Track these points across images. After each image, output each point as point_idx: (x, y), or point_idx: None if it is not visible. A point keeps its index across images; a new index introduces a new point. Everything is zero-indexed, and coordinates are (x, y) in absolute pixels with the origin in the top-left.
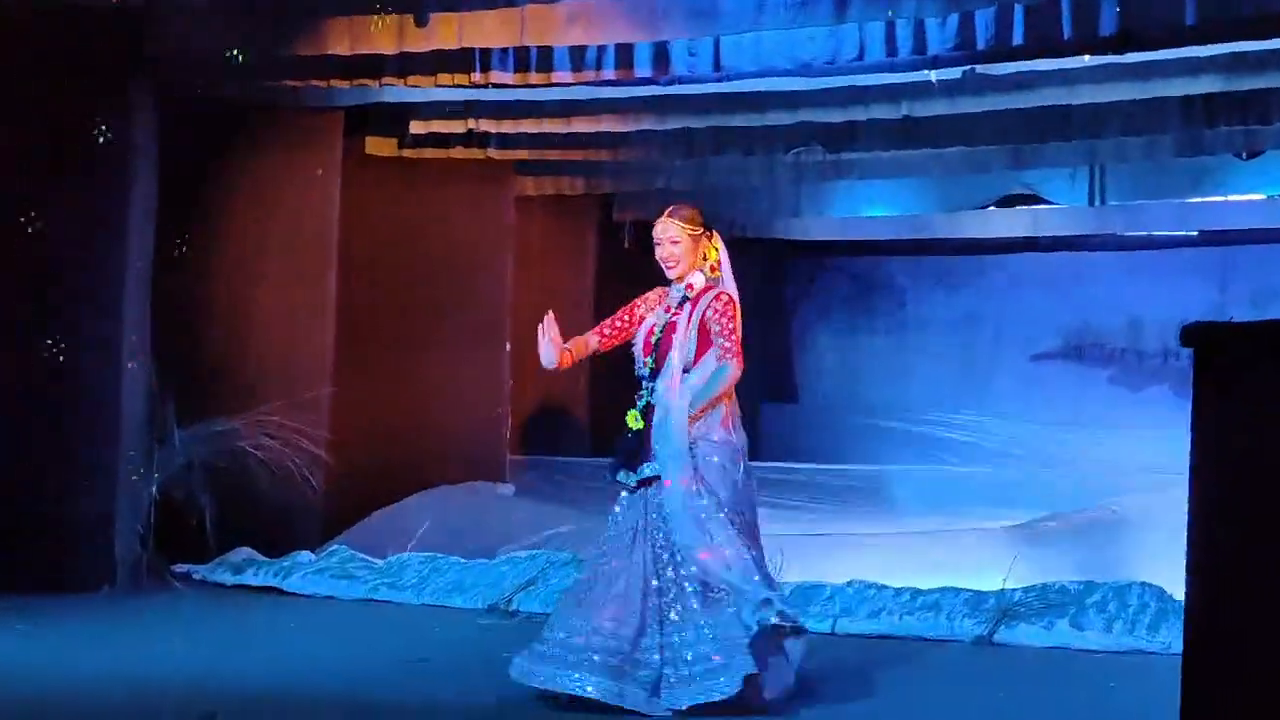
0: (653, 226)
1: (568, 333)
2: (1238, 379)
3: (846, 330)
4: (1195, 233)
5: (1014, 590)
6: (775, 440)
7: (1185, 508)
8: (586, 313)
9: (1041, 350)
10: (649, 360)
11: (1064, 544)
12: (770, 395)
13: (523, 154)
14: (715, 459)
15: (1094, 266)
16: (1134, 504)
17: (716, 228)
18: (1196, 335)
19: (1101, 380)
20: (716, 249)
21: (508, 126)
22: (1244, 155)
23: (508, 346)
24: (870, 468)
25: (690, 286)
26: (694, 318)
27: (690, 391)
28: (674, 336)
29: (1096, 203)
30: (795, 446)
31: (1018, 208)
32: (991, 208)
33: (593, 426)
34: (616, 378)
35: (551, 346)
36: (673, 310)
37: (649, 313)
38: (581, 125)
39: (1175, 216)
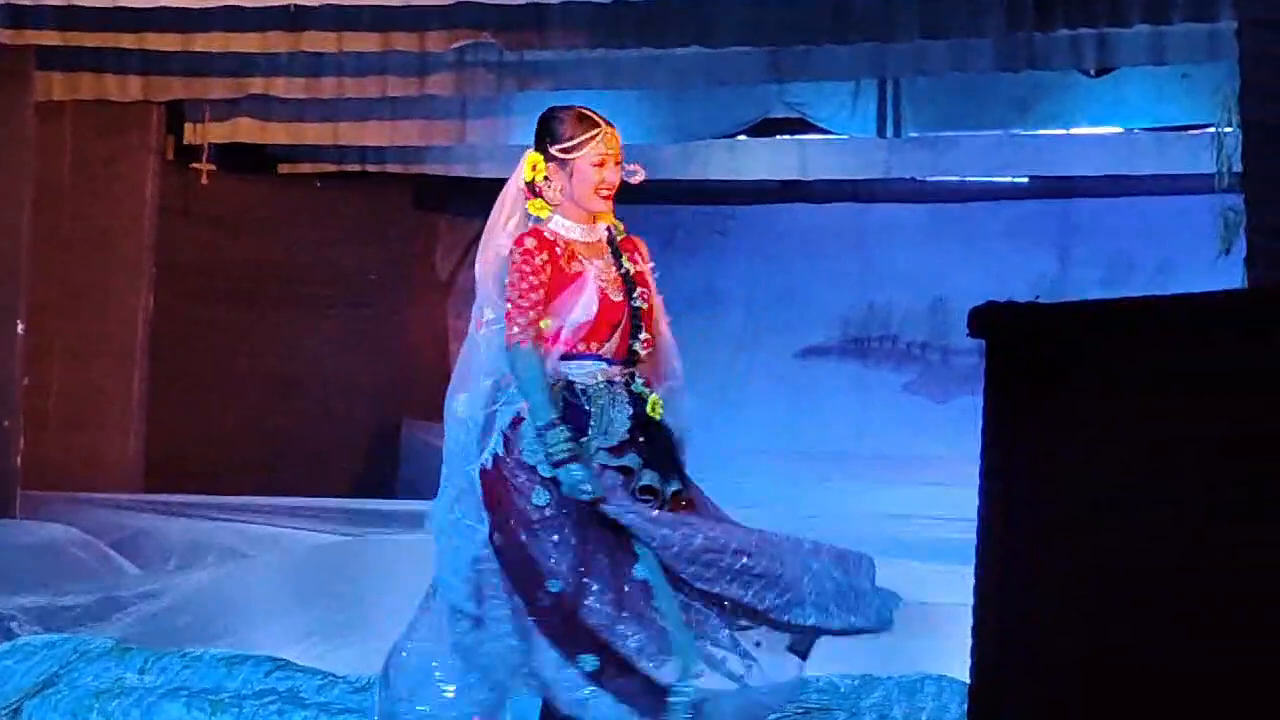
0: (600, 137)
1: (113, 309)
2: (1043, 381)
3: None
4: (1025, 179)
5: (757, 689)
6: (421, 467)
7: None
8: (140, 271)
9: (810, 343)
10: (640, 332)
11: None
12: (415, 402)
13: (49, 37)
14: None
15: (885, 225)
16: (930, 573)
17: (336, 156)
18: (988, 321)
19: (894, 387)
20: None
21: None
22: (1092, 71)
23: (20, 326)
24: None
25: (616, 228)
26: (647, 271)
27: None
28: (648, 293)
29: (889, 134)
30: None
31: (778, 138)
32: (742, 137)
33: (148, 450)
34: (176, 385)
35: None
36: (617, 259)
37: (561, 266)
38: None
39: (997, 156)
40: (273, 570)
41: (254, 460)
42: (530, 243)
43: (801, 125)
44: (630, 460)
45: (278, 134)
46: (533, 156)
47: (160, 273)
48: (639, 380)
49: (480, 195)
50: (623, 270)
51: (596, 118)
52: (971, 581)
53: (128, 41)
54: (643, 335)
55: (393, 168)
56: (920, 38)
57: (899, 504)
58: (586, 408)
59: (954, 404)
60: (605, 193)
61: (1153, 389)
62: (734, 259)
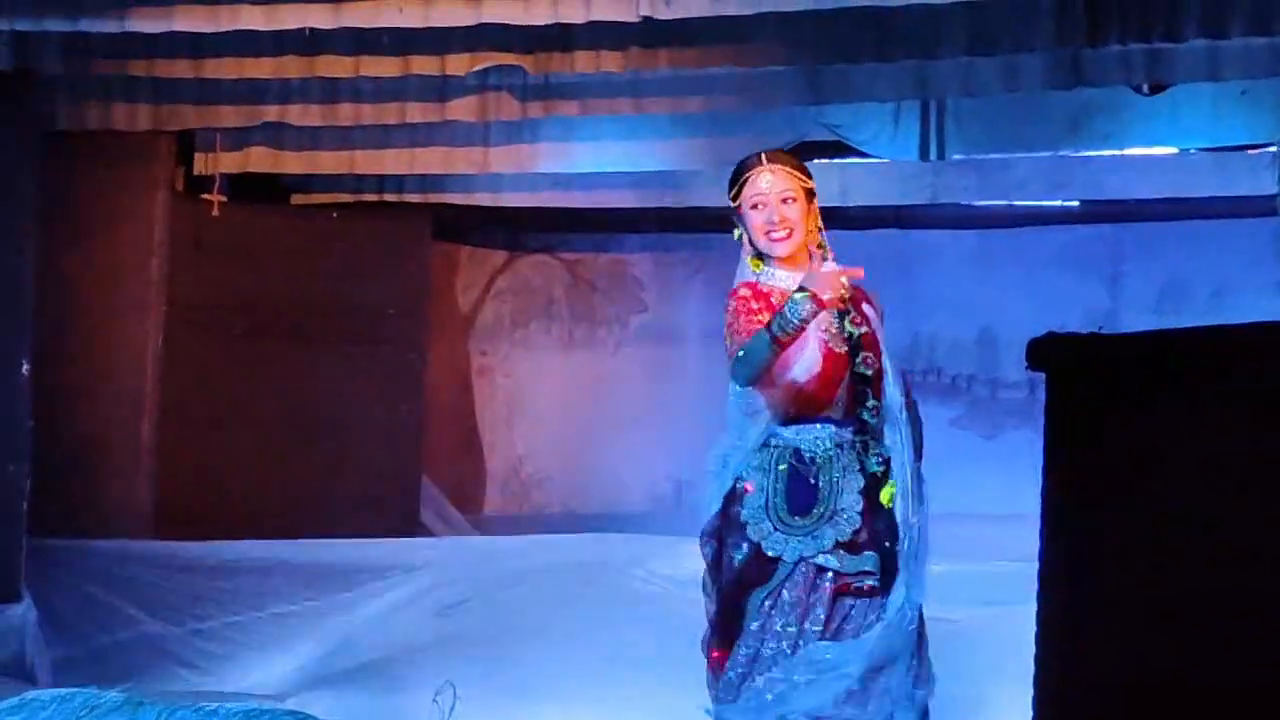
0: (751, 179)
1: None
2: (1102, 412)
3: (556, 345)
4: (1075, 203)
5: None
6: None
7: None
8: (152, 309)
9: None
10: (870, 398)
11: None
12: (436, 442)
13: (52, 65)
14: None
15: (928, 252)
16: (982, 617)
17: (352, 185)
18: (1047, 353)
19: (941, 421)
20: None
21: (25, 22)
22: (1145, 89)
23: (25, 367)
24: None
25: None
26: (878, 331)
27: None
28: (873, 357)
29: (932, 156)
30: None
31: (816, 162)
32: None
33: (158, 494)
34: (188, 426)
35: None
36: (830, 318)
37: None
38: (146, 21)
39: (1046, 179)
40: None
41: (269, 505)
42: (744, 291)
43: (841, 149)
44: (868, 563)
45: (292, 163)
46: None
47: (170, 309)
48: (875, 457)
49: (504, 225)
50: (845, 332)
51: (757, 158)
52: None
53: (136, 69)
54: (870, 402)
55: (412, 197)
56: (966, 54)
57: (946, 533)
58: (813, 481)
59: (1003, 439)
60: (777, 234)
61: (1211, 418)
62: None
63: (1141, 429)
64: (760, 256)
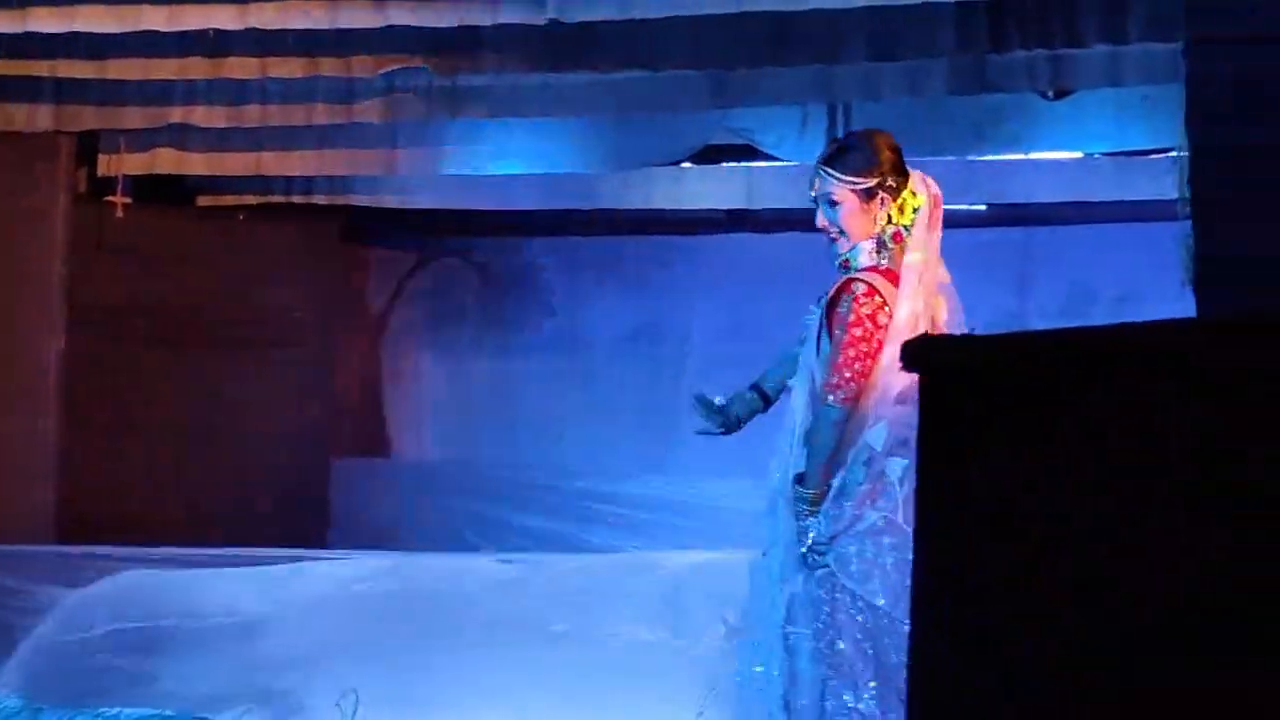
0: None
1: (27, 357)
2: (978, 415)
3: (468, 348)
4: (982, 207)
5: None
6: (351, 515)
7: None
8: (54, 312)
9: None
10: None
11: None
12: (346, 447)
13: None
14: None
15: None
16: None
17: (259, 186)
18: (922, 355)
19: None
20: (919, 202)
21: None
22: (1050, 94)
23: None
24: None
25: (846, 265)
26: (822, 321)
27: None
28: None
29: None
30: (381, 521)
31: (724, 165)
32: (686, 165)
33: (61, 500)
34: (92, 431)
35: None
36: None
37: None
38: (48, 21)
39: (953, 182)
40: None
41: (175, 510)
42: (878, 300)
43: (749, 152)
44: None
45: (197, 165)
46: None
47: (73, 313)
48: None
49: (414, 228)
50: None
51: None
52: None
53: (38, 69)
54: None
55: (320, 199)
56: (869, 59)
57: None
58: None
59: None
60: (828, 237)
61: (1084, 420)
62: (679, 292)
63: (1015, 431)
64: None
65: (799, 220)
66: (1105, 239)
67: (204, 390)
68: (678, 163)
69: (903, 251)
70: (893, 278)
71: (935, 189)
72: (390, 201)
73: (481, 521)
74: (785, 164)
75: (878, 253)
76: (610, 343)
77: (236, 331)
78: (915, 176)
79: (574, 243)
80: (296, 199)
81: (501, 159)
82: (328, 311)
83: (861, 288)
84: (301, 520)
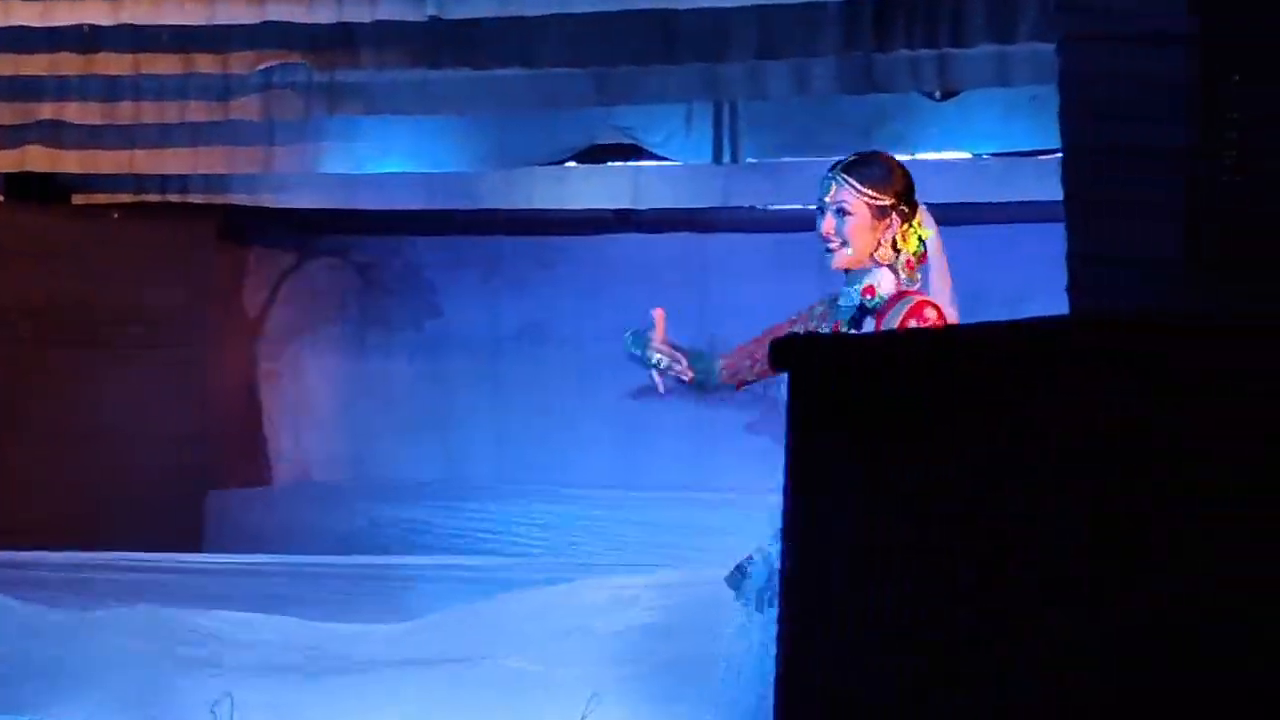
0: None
1: None
2: (845, 414)
3: (348, 349)
4: None
5: None
6: (226, 517)
7: None
8: None
9: (646, 382)
10: None
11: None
12: (222, 449)
13: None
14: None
15: (725, 256)
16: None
17: (134, 184)
18: (790, 354)
19: (737, 428)
20: (926, 234)
21: None
22: (937, 94)
23: None
24: (383, 561)
25: (870, 291)
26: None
27: None
28: None
29: (725, 159)
30: (257, 527)
31: (609, 164)
32: (570, 164)
33: None
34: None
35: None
36: (842, 330)
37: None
38: None
39: None
40: None
41: (43, 512)
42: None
43: (633, 151)
44: None
45: (70, 162)
46: None
47: None
48: None
49: (293, 227)
50: None
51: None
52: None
53: None
54: None
55: (195, 198)
56: (755, 58)
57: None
58: None
59: None
60: (825, 246)
61: (946, 419)
62: (562, 293)
63: (879, 430)
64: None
65: (685, 221)
66: (994, 240)
67: (76, 391)
68: (561, 162)
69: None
70: None
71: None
72: (268, 200)
73: (369, 523)
74: (671, 163)
75: (909, 278)
76: (494, 343)
77: (111, 332)
78: (922, 209)
79: (457, 242)
80: (172, 197)
81: (382, 157)
82: (204, 312)
83: (934, 314)
84: (174, 523)
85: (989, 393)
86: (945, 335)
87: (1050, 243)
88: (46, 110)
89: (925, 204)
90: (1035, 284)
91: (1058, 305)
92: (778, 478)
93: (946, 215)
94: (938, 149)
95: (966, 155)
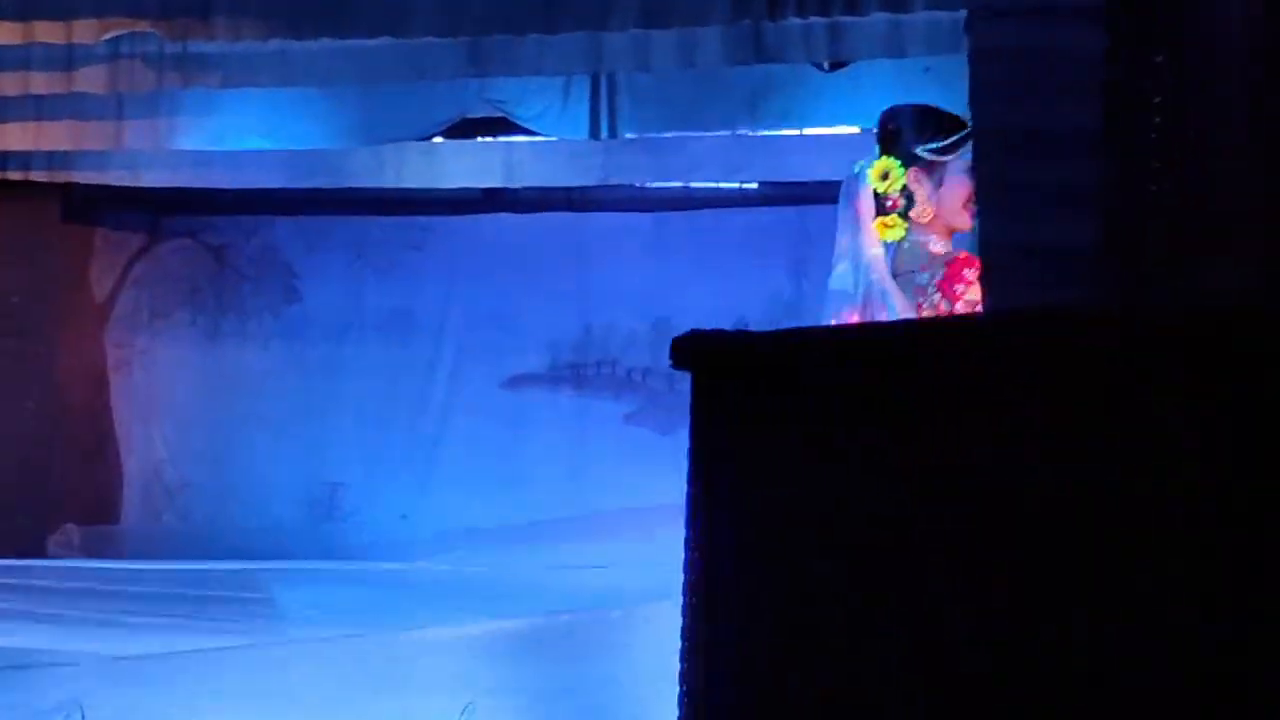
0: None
1: None
2: (748, 414)
3: (202, 336)
4: (755, 185)
5: None
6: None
7: None
8: None
9: (520, 371)
10: None
11: (553, 662)
12: (69, 442)
13: None
14: None
15: (603, 236)
16: (658, 613)
17: None
18: (693, 351)
19: (614, 418)
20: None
21: None
22: (826, 65)
23: None
24: (247, 565)
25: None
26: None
27: None
28: None
29: (604, 134)
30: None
31: (480, 140)
32: (439, 139)
33: None
34: None
35: None
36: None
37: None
38: None
39: (724, 159)
40: None
41: None
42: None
43: (506, 126)
44: None
45: None
46: (884, 163)
47: None
48: None
49: (143, 207)
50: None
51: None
52: None
53: None
54: None
55: (38, 176)
56: (639, 26)
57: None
58: None
59: (679, 436)
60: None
61: (851, 418)
62: (431, 276)
63: (782, 430)
64: (896, 219)
65: (561, 200)
66: None
67: None
68: (430, 137)
69: None
70: None
71: None
72: (116, 178)
73: (223, 523)
74: (546, 139)
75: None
76: (359, 330)
77: None
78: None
79: (319, 223)
80: (13, 175)
81: (239, 132)
82: (48, 297)
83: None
84: (23, 522)
85: (890, 394)
86: (851, 334)
87: None
88: None
89: (811, 180)
90: None
91: None
92: (657, 471)
93: (833, 192)
94: (825, 123)
95: (855, 130)
